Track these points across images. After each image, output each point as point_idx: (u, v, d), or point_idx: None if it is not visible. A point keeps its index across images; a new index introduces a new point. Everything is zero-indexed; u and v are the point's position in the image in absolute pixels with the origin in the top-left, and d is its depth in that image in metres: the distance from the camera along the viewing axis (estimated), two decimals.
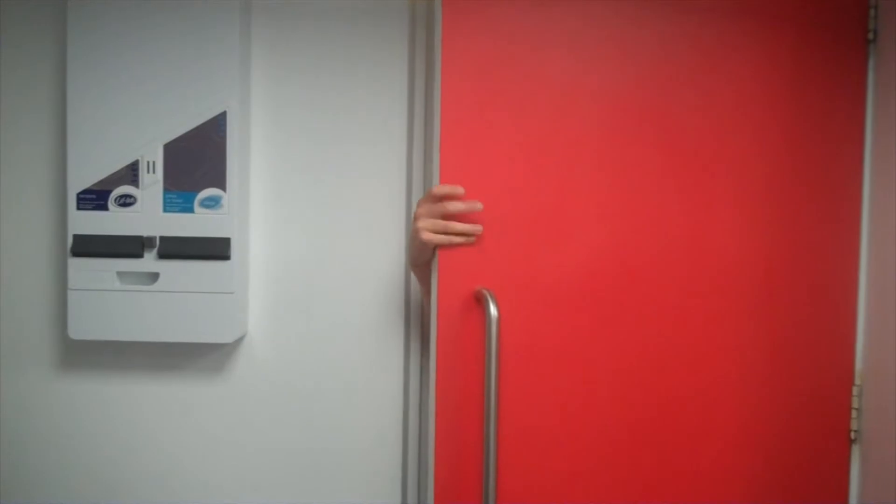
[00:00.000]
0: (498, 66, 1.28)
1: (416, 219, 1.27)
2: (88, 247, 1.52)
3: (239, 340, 1.62)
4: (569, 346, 1.32)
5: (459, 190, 1.25)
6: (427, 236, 1.25)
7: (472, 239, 1.26)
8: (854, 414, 1.37)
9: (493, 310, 1.22)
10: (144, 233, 1.52)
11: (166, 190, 1.52)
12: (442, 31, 1.27)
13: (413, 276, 1.54)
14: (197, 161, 1.51)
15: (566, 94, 1.30)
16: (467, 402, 1.28)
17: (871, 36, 1.35)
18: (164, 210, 1.52)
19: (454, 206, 1.25)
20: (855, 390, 1.37)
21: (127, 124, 1.51)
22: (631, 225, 1.32)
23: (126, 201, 1.52)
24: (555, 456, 1.32)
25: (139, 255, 1.52)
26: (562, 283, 1.31)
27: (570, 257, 1.31)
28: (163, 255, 1.51)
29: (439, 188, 1.26)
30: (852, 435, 1.37)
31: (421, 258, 1.30)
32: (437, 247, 1.27)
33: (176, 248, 1.51)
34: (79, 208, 1.51)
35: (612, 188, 1.31)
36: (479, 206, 1.26)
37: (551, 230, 1.30)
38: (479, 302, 1.26)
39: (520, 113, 1.29)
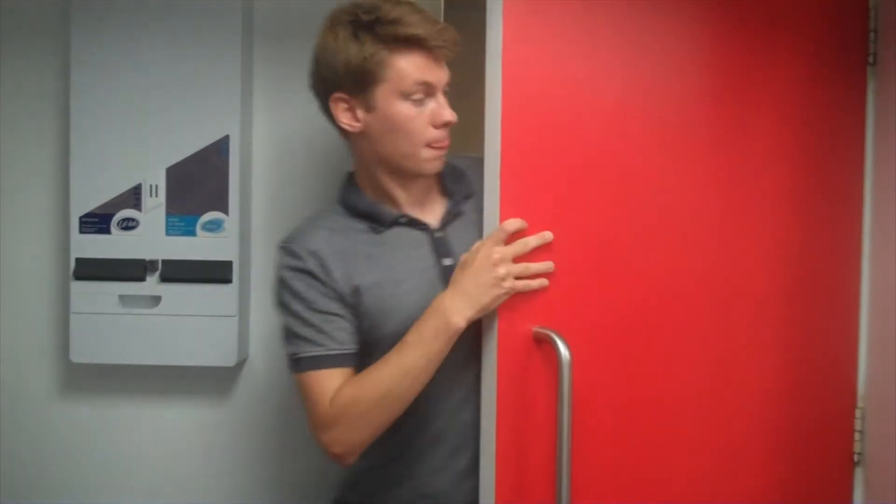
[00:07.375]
0: (553, 91, 1.22)
1: (494, 265, 1.13)
2: (90, 270, 1.52)
3: (241, 364, 1.62)
4: (636, 384, 1.26)
5: (525, 224, 1.16)
6: (511, 283, 1.13)
7: (545, 282, 1.17)
8: (857, 437, 1.36)
9: (563, 351, 1.12)
10: (146, 256, 1.52)
11: (168, 213, 1.52)
12: (502, 66, 1.18)
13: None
14: (199, 185, 1.52)
15: (618, 118, 1.26)
16: (532, 448, 1.20)
17: (871, 59, 1.35)
18: (167, 233, 1.52)
19: (532, 243, 1.16)
20: (858, 413, 1.36)
21: (129, 148, 1.51)
22: (681, 251, 1.28)
23: (128, 225, 1.52)
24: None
25: (141, 279, 1.52)
26: (621, 317, 1.25)
27: (627, 289, 1.26)
28: (165, 279, 1.52)
29: (512, 223, 1.15)
30: (855, 458, 1.36)
31: (491, 308, 1.17)
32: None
33: (178, 272, 1.52)
34: (81, 232, 1.52)
35: (664, 213, 1.28)
36: (549, 236, 1.17)
37: (608, 263, 1.25)
38: (542, 343, 1.18)
39: (576, 142, 1.23)
